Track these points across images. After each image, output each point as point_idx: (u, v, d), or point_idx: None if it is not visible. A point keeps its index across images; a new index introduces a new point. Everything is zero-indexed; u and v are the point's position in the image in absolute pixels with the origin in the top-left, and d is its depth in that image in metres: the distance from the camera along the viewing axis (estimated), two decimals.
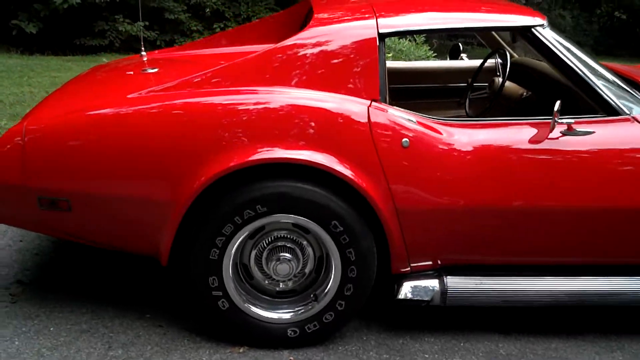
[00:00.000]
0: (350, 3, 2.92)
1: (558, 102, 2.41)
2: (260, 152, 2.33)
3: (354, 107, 2.40)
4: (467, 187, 2.43)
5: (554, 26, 2.83)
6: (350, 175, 2.34)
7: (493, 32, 3.55)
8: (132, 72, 3.06)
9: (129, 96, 2.47)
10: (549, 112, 2.47)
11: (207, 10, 10.84)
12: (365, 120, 2.38)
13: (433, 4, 2.93)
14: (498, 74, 3.52)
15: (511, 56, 3.43)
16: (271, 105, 2.38)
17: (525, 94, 3.30)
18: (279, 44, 2.51)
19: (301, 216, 2.39)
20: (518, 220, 2.49)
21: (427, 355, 2.57)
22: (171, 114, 2.38)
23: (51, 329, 2.61)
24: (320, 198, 2.37)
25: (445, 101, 3.80)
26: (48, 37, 9.79)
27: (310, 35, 2.51)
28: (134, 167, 2.37)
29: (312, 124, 2.36)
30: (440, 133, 2.44)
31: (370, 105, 2.41)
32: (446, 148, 2.43)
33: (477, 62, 3.69)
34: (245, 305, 2.50)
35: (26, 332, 2.57)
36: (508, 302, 2.59)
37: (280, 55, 2.47)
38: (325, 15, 2.63)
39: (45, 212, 2.46)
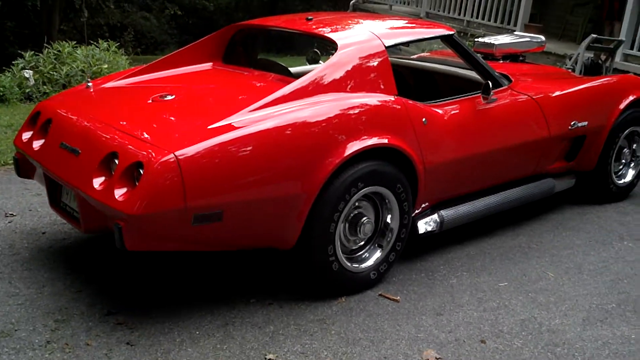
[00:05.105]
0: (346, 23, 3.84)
1: (490, 83, 3.76)
2: (355, 143, 3.11)
3: (394, 102, 3.35)
4: (456, 145, 3.62)
5: None
6: (407, 149, 3.31)
7: None
8: (151, 101, 3.34)
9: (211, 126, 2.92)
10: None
11: None
12: (404, 110, 3.36)
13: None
14: None
15: None
16: (348, 109, 3.17)
17: None
18: (323, 66, 3.27)
19: (381, 186, 3.27)
20: (476, 162, 3.79)
21: (442, 267, 3.71)
22: (294, 127, 2.99)
23: (197, 333, 2.93)
24: (391, 170, 3.29)
25: None
26: None
27: (343, 58, 3.35)
28: (274, 172, 2.91)
29: (375, 117, 3.25)
30: (433, 112, 3.56)
31: (402, 99, 3.39)
32: (442, 121, 3.57)
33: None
34: (347, 264, 3.26)
35: (194, 341, 2.85)
36: (475, 217, 3.90)
37: (330, 72, 3.27)
38: (345, 41, 3.45)
39: (197, 228, 2.79)
